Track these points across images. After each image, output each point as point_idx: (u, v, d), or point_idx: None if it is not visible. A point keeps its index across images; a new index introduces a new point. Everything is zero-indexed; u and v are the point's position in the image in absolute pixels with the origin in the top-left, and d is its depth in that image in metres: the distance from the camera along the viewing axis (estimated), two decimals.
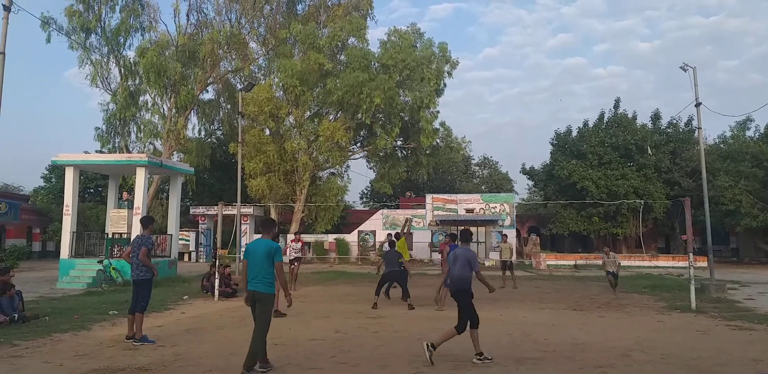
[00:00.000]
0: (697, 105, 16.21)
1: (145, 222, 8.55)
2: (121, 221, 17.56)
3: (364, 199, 50.05)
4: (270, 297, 6.43)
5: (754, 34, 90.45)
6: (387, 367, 6.60)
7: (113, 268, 15.97)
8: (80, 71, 30.01)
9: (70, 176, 17.58)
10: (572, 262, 27.08)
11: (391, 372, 6.39)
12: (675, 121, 33.43)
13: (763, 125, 33.52)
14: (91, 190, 38.70)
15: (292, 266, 14.91)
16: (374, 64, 30.12)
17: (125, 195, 18.91)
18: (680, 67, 16.20)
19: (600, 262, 20.20)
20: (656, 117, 34.06)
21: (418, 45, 31.19)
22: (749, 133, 32.88)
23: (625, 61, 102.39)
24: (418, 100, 29.80)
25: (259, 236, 7.03)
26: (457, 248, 7.62)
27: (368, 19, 32.68)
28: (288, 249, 15.43)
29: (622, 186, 30.15)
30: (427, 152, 33.07)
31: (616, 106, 34.18)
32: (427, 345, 6.74)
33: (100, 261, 16.12)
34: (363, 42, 30.61)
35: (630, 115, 33.59)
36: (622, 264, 17.48)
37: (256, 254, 6.42)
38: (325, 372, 6.38)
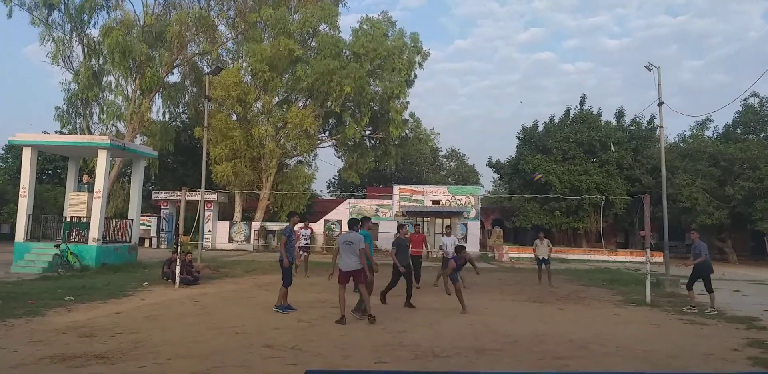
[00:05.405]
0: (660, 104, 16.59)
1: None
2: (81, 204, 17.07)
3: (332, 188, 49.93)
4: (361, 271, 8.77)
5: (721, 35, 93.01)
6: (349, 357, 6.63)
7: (71, 253, 15.56)
8: (41, 48, 29.00)
9: (27, 157, 17.01)
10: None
11: (354, 361, 6.41)
12: (638, 119, 34.23)
13: (721, 125, 34.61)
14: (50, 172, 37.48)
15: (302, 253, 14.79)
16: (345, 52, 29.88)
17: (86, 178, 18.37)
18: (645, 67, 16.53)
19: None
20: (620, 114, 34.79)
21: (390, 34, 31.03)
22: (708, 133, 34.01)
23: (594, 57, 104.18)
24: (388, 90, 29.75)
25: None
26: None
27: (340, 5, 32.43)
28: (299, 237, 14.94)
29: (584, 181, 30.78)
30: (396, 143, 33.10)
31: (582, 102, 34.79)
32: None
33: (57, 246, 15.67)
34: (334, 29, 30.33)
35: (595, 112, 34.23)
36: (583, 259, 17.73)
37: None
38: (287, 360, 6.35)
